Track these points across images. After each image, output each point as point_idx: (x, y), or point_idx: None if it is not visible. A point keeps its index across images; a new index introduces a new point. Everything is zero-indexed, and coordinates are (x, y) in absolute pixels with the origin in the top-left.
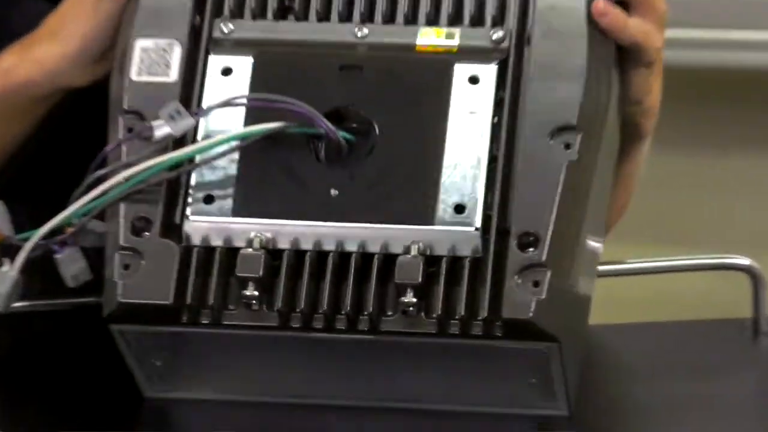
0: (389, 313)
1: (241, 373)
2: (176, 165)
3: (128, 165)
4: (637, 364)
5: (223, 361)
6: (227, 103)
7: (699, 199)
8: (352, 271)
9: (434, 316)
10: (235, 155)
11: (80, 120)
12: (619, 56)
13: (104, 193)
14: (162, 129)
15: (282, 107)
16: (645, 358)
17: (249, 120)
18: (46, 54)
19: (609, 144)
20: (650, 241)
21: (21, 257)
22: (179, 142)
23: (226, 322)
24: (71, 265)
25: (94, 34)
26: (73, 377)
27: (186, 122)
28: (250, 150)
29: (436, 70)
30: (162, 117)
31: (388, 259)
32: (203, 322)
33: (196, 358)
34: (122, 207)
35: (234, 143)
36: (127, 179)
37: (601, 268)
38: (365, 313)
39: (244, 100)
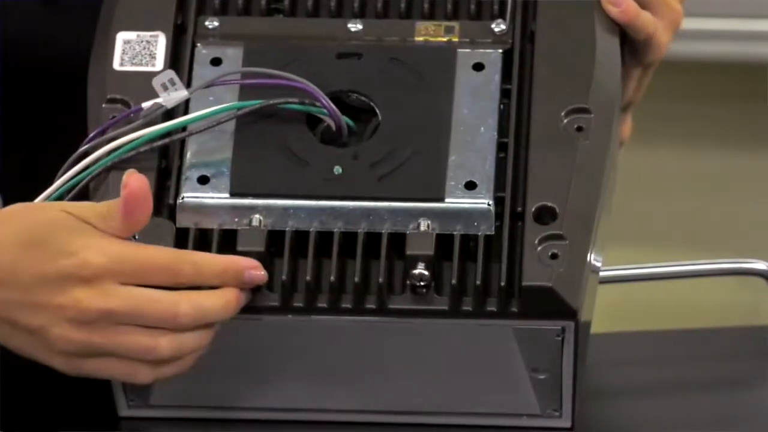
0: (398, 291)
1: (223, 390)
2: (166, 136)
3: (114, 138)
4: (649, 375)
5: (206, 373)
6: (221, 79)
7: (713, 201)
8: (360, 249)
9: (446, 292)
10: (230, 133)
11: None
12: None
13: (89, 165)
14: (152, 99)
15: (281, 84)
16: (657, 369)
17: (244, 99)
18: None
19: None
20: (661, 245)
21: None
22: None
23: None
24: None
25: None
26: (43, 394)
27: (179, 94)
28: (245, 129)
29: (439, 56)
30: (154, 86)
31: (396, 238)
32: None
33: None
34: (112, 190)
35: (229, 114)
36: (113, 150)
37: (609, 273)
38: (372, 291)
39: (239, 76)
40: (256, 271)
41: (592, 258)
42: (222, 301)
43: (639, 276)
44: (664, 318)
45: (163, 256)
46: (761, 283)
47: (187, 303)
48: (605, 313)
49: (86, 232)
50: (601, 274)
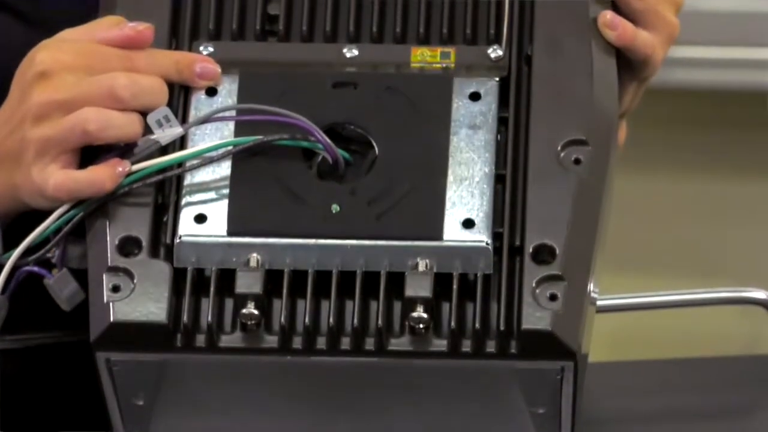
0: (397, 333)
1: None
2: (162, 171)
3: None
4: (648, 404)
5: (204, 410)
6: (216, 115)
7: (713, 228)
8: (358, 289)
9: (445, 333)
10: (227, 172)
11: None
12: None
13: (83, 200)
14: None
15: (276, 120)
16: (656, 398)
17: (239, 136)
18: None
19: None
20: (660, 273)
21: (2, 276)
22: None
23: (222, 345)
24: (63, 288)
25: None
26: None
27: (174, 130)
28: (241, 165)
29: (435, 86)
30: (149, 122)
31: (395, 278)
32: (198, 346)
33: (180, 394)
34: (108, 226)
35: (225, 151)
36: None
37: (607, 302)
38: (371, 333)
39: (234, 112)
40: (208, 64)
41: (590, 289)
42: (160, 84)
43: (638, 305)
44: (663, 347)
45: (117, 49)
46: (761, 312)
47: (124, 76)
48: (604, 342)
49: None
50: (600, 303)
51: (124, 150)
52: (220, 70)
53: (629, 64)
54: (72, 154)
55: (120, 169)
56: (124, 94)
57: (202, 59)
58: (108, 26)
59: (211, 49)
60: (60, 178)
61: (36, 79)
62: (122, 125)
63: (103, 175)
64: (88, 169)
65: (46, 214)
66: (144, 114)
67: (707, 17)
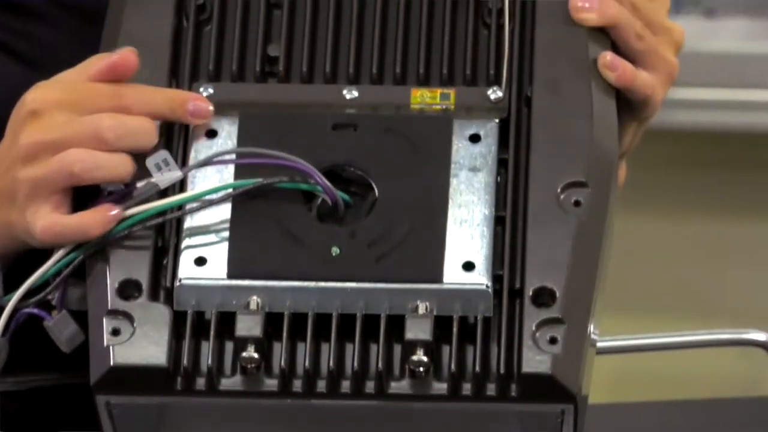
0: (397, 376)
1: None
2: (161, 214)
3: None
4: None
5: None
6: (215, 158)
7: (713, 269)
8: (358, 332)
9: (445, 376)
10: (226, 215)
11: None
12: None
13: (83, 243)
14: (146, 179)
15: (276, 163)
16: None
17: (239, 178)
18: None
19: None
20: (661, 314)
21: (3, 319)
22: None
23: (222, 389)
24: (63, 330)
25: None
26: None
27: (173, 174)
28: (241, 207)
29: (435, 128)
30: (148, 166)
31: (395, 320)
32: (198, 389)
33: None
34: (108, 269)
35: (224, 194)
36: None
37: (607, 344)
38: (371, 376)
39: (234, 156)
40: (200, 102)
41: (590, 331)
42: (147, 125)
43: (638, 347)
44: (663, 388)
45: (108, 86)
46: (761, 353)
47: (109, 117)
48: (604, 383)
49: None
50: (600, 344)
51: (123, 193)
52: (212, 108)
53: (629, 104)
54: (63, 195)
55: (111, 213)
56: (109, 135)
57: (194, 97)
58: (98, 62)
59: (210, 90)
60: (47, 222)
61: (27, 118)
62: (109, 167)
63: (90, 221)
64: (78, 214)
65: (47, 255)
66: (135, 154)
67: (707, 58)
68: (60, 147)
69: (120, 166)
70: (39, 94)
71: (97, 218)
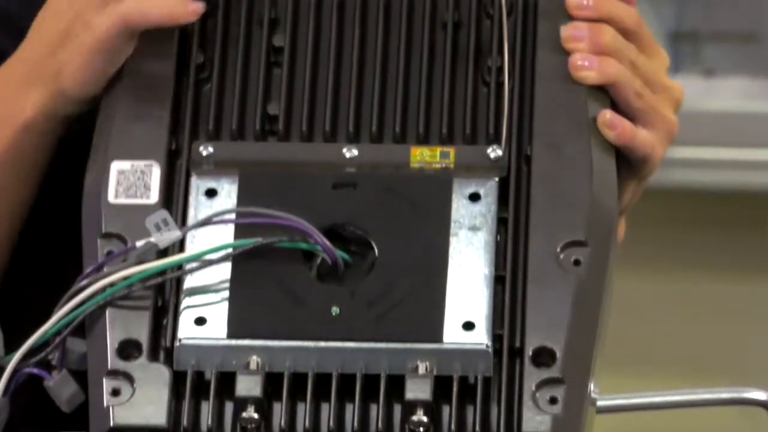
0: None
1: None
2: (161, 274)
3: (108, 274)
4: None
5: None
6: (214, 218)
7: (713, 328)
8: (358, 391)
9: None
10: (226, 274)
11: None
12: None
13: (84, 302)
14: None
15: (275, 223)
16: None
17: (239, 238)
18: (44, 99)
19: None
20: (661, 372)
21: (4, 379)
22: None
23: None
24: (64, 390)
25: (93, 74)
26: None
27: (172, 234)
28: (240, 266)
29: (435, 187)
30: (147, 226)
31: (395, 380)
32: None
33: None
34: (108, 329)
35: (224, 253)
36: (107, 287)
37: (609, 403)
38: None
39: (233, 215)
40: None
41: (590, 390)
42: None
43: (638, 405)
44: None
45: None
46: (762, 413)
47: None
48: None
49: None
50: (600, 403)
51: (123, 253)
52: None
53: (629, 162)
54: None
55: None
56: None
57: None
58: None
59: (210, 149)
60: (133, 3)
61: None
62: None
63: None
64: None
65: (46, 313)
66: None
67: (706, 117)
68: None
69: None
70: None
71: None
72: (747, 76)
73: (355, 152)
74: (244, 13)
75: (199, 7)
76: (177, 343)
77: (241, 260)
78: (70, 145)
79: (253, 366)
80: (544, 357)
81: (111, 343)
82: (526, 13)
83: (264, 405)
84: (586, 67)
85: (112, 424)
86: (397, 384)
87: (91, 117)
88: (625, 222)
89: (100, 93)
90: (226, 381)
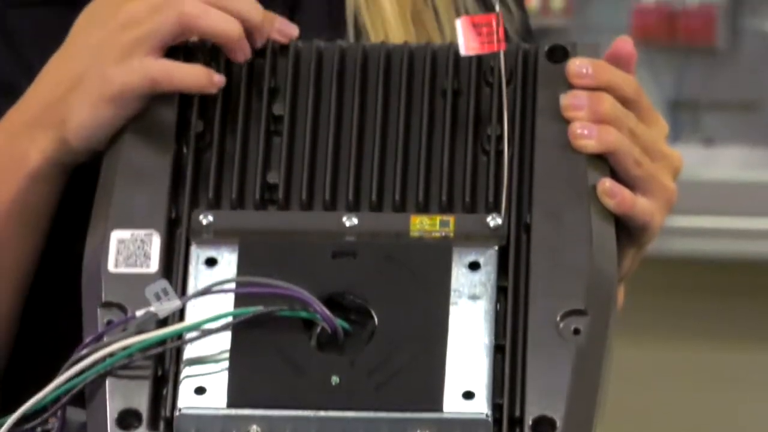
0: None
1: None
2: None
3: (108, 344)
4: None
5: None
6: (214, 287)
7: (712, 396)
8: None
9: None
10: (226, 343)
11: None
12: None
13: (84, 371)
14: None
15: (275, 292)
16: None
17: (239, 307)
18: (48, 144)
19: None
20: None
21: None
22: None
23: None
24: None
25: (100, 126)
26: None
27: (172, 304)
28: (240, 335)
29: (434, 256)
30: (147, 296)
31: None
32: None
33: None
34: (108, 398)
35: (224, 322)
36: (107, 356)
37: None
38: None
39: (233, 285)
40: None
41: None
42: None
43: None
44: None
45: None
46: None
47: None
48: None
49: None
50: None
51: (123, 323)
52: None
53: (628, 230)
54: (161, 51)
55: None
56: None
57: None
58: None
59: (210, 218)
60: (159, 67)
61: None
62: (218, 18)
63: (204, 71)
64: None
65: (46, 378)
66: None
67: (706, 186)
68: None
69: (230, 22)
70: None
71: (206, 73)
72: (746, 145)
73: (355, 221)
74: (244, 81)
75: (222, 80)
76: (177, 413)
77: (241, 329)
78: (72, 202)
79: None
80: (544, 426)
81: (111, 413)
82: (525, 81)
83: None
84: (586, 136)
85: None
86: None
87: (95, 165)
88: (625, 289)
89: (103, 147)
90: None
